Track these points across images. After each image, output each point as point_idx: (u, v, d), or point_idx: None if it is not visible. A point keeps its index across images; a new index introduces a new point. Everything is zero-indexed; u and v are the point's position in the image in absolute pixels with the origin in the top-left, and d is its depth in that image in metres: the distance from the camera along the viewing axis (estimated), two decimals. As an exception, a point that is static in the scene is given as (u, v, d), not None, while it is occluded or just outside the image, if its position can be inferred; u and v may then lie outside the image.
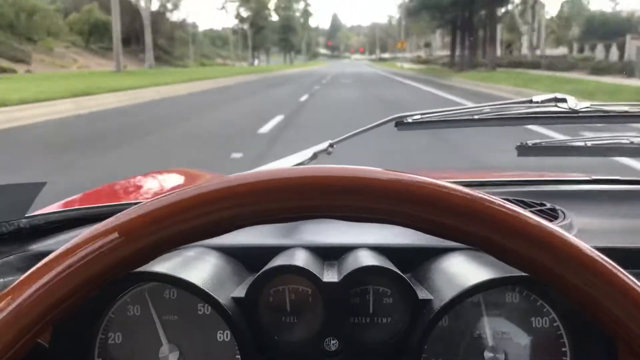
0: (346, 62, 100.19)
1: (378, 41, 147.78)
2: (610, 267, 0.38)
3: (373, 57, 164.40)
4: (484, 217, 0.39)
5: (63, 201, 1.23)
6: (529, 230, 0.39)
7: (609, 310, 0.39)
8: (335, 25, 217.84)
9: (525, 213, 0.39)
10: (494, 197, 0.40)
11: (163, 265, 0.63)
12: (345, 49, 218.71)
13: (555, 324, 0.67)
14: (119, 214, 0.40)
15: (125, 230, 0.39)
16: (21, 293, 0.38)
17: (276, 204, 0.40)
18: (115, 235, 0.39)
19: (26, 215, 0.88)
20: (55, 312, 0.39)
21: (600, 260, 0.39)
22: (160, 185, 1.67)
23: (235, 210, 0.39)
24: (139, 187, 1.61)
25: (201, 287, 0.61)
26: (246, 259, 0.76)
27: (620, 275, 0.38)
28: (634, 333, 0.38)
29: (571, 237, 0.39)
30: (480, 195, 0.40)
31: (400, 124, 0.93)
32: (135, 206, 0.40)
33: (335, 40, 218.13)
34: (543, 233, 0.39)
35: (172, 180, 1.75)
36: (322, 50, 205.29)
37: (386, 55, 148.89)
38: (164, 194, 0.40)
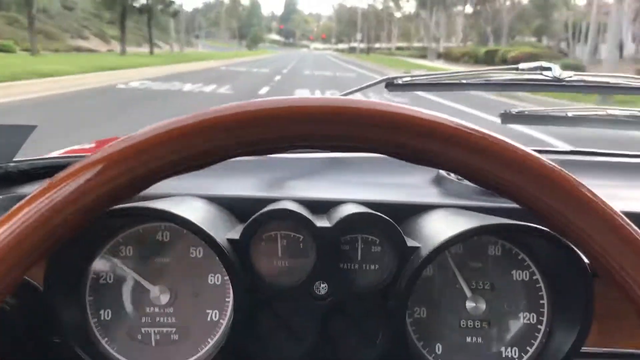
0: (303, 54, 67.91)
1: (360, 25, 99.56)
2: (595, 198, 0.40)
3: (339, 47, 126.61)
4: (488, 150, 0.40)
5: (53, 152, 1.22)
6: (513, 157, 0.40)
7: (592, 239, 0.40)
8: (290, 8, 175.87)
9: (520, 146, 0.41)
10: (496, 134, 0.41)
11: (162, 205, 0.64)
12: (302, 36, 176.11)
13: (534, 277, 0.70)
14: (106, 145, 0.40)
15: (114, 160, 0.39)
16: (11, 224, 0.38)
17: (261, 133, 0.39)
18: (104, 164, 0.39)
19: (14, 160, 0.87)
20: (46, 243, 0.39)
21: (585, 190, 0.40)
22: None
23: (223, 140, 0.39)
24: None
25: (201, 226, 0.62)
26: (234, 209, 0.77)
27: (604, 206, 0.40)
28: (614, 261, 0.40)
29: (563, 170, 0.41)
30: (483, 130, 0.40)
31: (390, 85, 0.94)
32: (123, 137, 0.40)
33: (290, 24, 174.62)
34: (525, 159, 0.40)
35: None
36: (274, 37, 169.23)
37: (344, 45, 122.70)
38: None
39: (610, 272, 0.40)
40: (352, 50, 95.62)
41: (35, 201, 0.39)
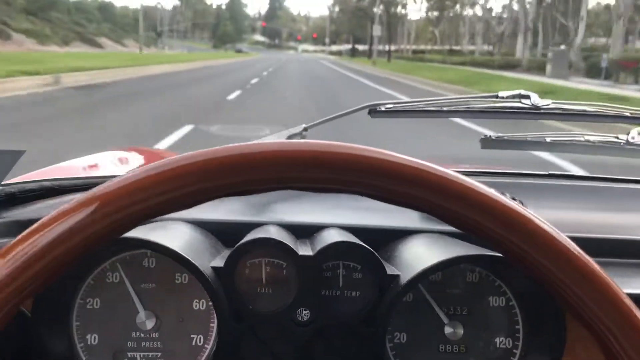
0: (286, 59, 58.14)
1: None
2: (564, 242, 0.42)
3: (333, 49, 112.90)
4: (455, 193, 0.42)
5: (34, 172, 1.24)
6: (479, 199, 0.42)
7: (564, 284, 0.41)
8: (276, 5, 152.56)
9: (491, 191, 0.43)
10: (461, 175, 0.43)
11: (144, 233, 0.66)
12: (290, 36, 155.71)
13: (510, 303, 0.73)
14: (99, 185, 0.41)
15: (106, 201, 0.40)
16: (3, 264, 0.39)
17: (253, 176, 0.42)
18: (96, 205, 0.40)
19: (2, 183, 0.89)
20: (37, 282, 0.40)
21: (556, 235, 0.42)
22: (123, 161, 1.68)
23: (211, 182, 0.41)
24: (107, 162, 1.62)
25: (183, 254, 0.64)
26: (220, 234, 0.79)
27: (572, 248, 0.42)
28: (584, 305, 0.41)
29: (537, 218, 0.42)
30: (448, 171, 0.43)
31: (373, 111, 0.97)
32: (115, 178, 0.41)
33: (275, 22, 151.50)
34: (504, 208, 0.42)
35: (132, 157, 1.76)
36: (259, 37, 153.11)
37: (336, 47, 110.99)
38: (140, 166, 0.42)
39: (574, 307, 0.42)
40: (351, 53, 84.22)
41: (30, 239, 0.40)
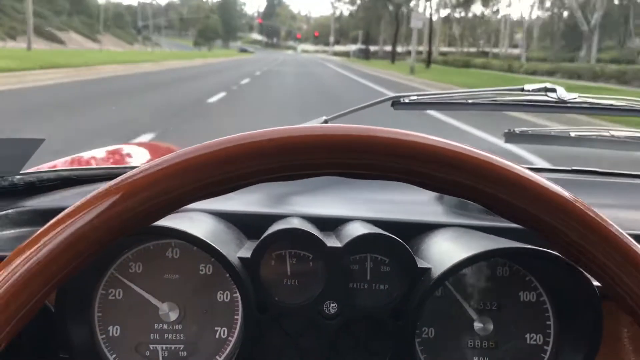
0: (281, 60, 46.22)
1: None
2: (599, 219, 0.41)
3: (336, 49, 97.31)
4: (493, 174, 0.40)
5: (50, 162, 1.23)
6: (512, 178, 0.40)
7: (600, 261, 0.41)
8: (274, 3, 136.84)
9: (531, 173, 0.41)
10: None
11: (175, 224, 0.64)
12: (289, 35, 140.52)
13: (541, 299, 0.71)
14: (122, 175, 0.40)
15: (130, 191, 0.39)
16: (29, 256, 0.38)
17: (278, 162, 0.40)
18: (120, 196, 0.39)
19: (20, 172, 0.88)
20: (62, 274, 0.39)
21: (590, 212, 0.41)
22: (137, 154, 1.67)
23: (237, 170, 0.40)
24: (124, 154, 1.61)
25: (212, 243, 0.62)
26: (243, 226, 0.77)
27: (611, 228, 0.41)
28: (622, 284, 0.40)
29: (566, 192, 0.41)
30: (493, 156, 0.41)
31: (396, 103, 0.95)
32: (138, 168, 0.40)
33: (273, 20, 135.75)
34: (526, 181, 0.40)
35: (146, 150, 1.75)
36: (256, 36, 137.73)
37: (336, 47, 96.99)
38: (161, 157, 0.40)
39: (619, 294, 0.41)
40: (364, 54, 69.78)
41: (54, 229, 0.39)
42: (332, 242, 0.69)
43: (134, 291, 0.69)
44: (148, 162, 0.41)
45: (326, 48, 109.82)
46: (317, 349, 0.67)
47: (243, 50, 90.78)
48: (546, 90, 0.96)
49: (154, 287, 0.69)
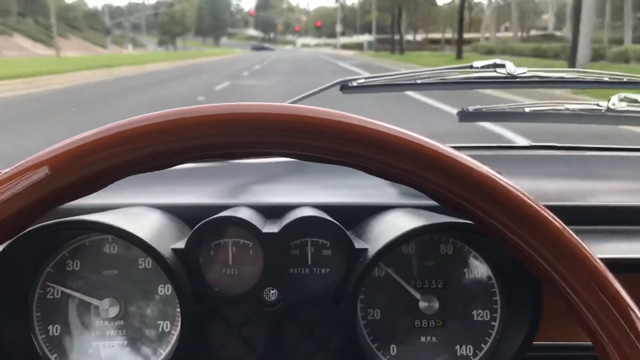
0: (279, 58, 41.29)
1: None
2: (541, 211, 0.39)
3: (343, 41, 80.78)
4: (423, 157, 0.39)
5: None
6: (457, 167, 0.39)
7: (539, 253, 0.40)
8: None
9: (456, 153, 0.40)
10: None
11: (104, 218, 0.63)
12: (286, 28, 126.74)
13: (487, 275, 0.70)
14: (48, 148, 0.39)
15: (55, 163, 0.38)
16: None
17: (197, 140, 0.38)
18: (46, 168, 0.38)
19: None
20: None
21: (529, 201, 0.40)
22: None
23: (163, 145, 0.38)
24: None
25: (141, 237, 0.61)
26: (188, 218, 0.76)
27: (550, 218, 0.39)
28: (559, 274, 0.39)
29: (509, 183, 0.40)
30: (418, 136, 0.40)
31: (345, 87, 0.94)
32: (65, 140, 0.39)
33: (268, 12, 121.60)
34: (473, 172, 0.39)
35: None
36: (252, 32, 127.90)
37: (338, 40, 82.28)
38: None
39: (548, 278, 0.40)
40: (384, 45, 54.52)
41: None
42: (272, 228, 0.68)
43: (73, 289, 0.68)
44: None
45: (330, 41, 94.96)
46: (261, 337, 0.66)
47: (259, 49, 78.71)
48: (495, 66, 0.96)
49: (93, 283, 0.68)
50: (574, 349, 0.69)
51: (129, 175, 0.39)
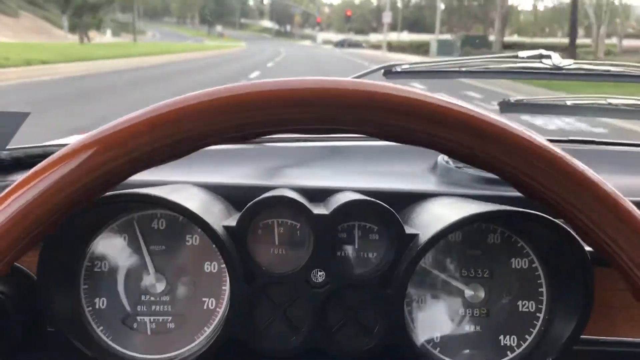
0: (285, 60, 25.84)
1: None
2: (592, 176, 0.40)
3: (378, 38, 57.10)
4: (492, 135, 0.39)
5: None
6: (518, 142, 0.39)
7: (589, 218, 0.39)
8: None
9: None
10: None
11: (156, 192, 0.63)
12: (306, 21, 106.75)
13: (533, 265, 0.70)
14: (98, 128, 0.39)
15: (105, 143, 0.38)
16: (5, 207, 0.38)
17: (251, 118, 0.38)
18: (96, 148, 0.38)
19: (7, 148, 0.86)
20: (41, 226, 0.38)
21: (581, 168, 0.40)
22: None
23: (216, 124, 0.38)
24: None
25: (195, 211, 0.61)
26: (232, 197, 0.76)
27: (600, 184, 0.40)
28: (621, 249, 0.39)
29: (559, 152, 0.40)
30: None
31: (388, 72, 0.93)
32: (114, 121, 0.39)
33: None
34: (518, 138, 0.39)
35: None
36: (266, 23, 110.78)
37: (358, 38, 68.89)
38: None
39: (609, 254, 0.40)
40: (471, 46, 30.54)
41: (32, 181, 0.38)
42: (319, 210, 0.68)
43: (120, 262, 0.69)
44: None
45: (359, 37, 74.18)
46: (306, 318, 0.66)
47: (341, 45, 59.88)
48: (541, 57, 0.95)
49: (140, 258, 0.68)
50: (624, 345, 0.68)
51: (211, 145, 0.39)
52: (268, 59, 24.46)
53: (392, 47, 40.51)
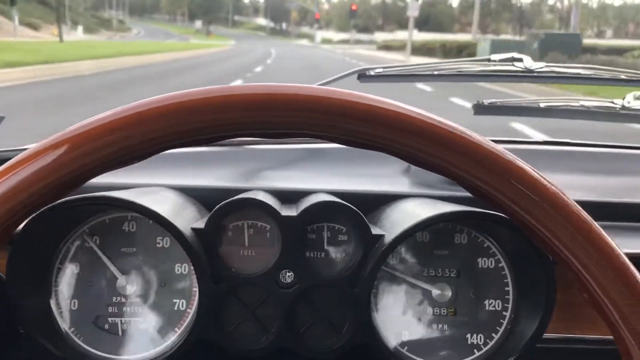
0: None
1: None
2: (557, 191, 0.40)
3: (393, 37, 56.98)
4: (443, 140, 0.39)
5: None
6: (480, 152, 0.39)
7: (555, 236, 0.39)
8: None
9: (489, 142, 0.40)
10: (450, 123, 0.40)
11: (125, 195, 0.64)
12: (303, 19, 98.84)
13: (500, 265, 0.71)
14: (68, 128, 0.40)
15: (75, 142, 0.38)
16: None
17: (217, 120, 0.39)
18: (66, 147, 0.38)
19: None
20: (7, 222, 0.38)
21: (546, 183, 0.40)
22: None
23: (177, 127, 0.38)
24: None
25: (163, 215, 0.62)
26: (205, 200, 0.77)
27: (565, 198, 0.39)
28: (575, 256, 0.39)
29: (526, 165, 0.40)
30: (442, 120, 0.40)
31: (362, 76, 0.94)
32: (84, 120, 0.39)
33: None
34: (488, 153, 0.39)
35: None
36: (261, 21, 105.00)
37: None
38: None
39: (564, 260, 0.40)
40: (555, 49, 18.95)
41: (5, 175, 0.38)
42: (289, 212, 0.69)
43: (91, 264, 0.69)
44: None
45: (362, 36, 65.72)
46: (275, 319, 0.67)
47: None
48: (513, 60, 0.96)
49: (111, 261, 0.69)
50: (586, 342, 0.70)
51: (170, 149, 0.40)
52: (251, 65, 19.66)
53: (415, 48, 30.24)
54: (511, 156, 0.40)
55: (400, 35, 55.35)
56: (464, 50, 25.69)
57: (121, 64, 17.56)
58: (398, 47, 37.56)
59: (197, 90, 0.39)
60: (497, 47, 22.72)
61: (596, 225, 0.39)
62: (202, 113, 0.38)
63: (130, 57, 20.07)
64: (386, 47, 41.78)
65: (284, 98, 0.38)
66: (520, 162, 0.40)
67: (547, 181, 0.40)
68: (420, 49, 30.61)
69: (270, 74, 16.44)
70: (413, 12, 30.15)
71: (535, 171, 0.40)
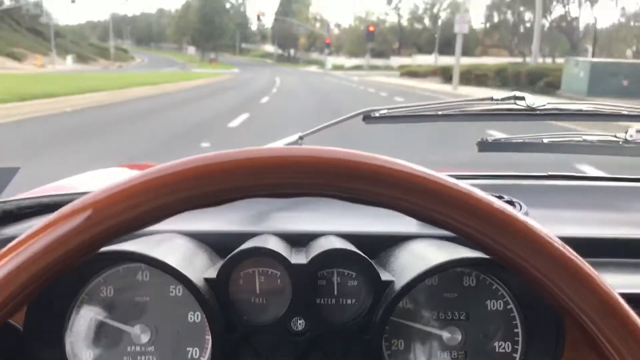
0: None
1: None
2: (559, 247, 0.41)
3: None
4: (443, 196, 0.41)
5: (32, 190, 1.24)
6: (483, 209, 0.41)
7: (559, 288, 0.41)
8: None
9: (485, 195, 0.42)
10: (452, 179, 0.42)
11: (137, 246, 0.66)
12: (312, 44, 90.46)
13: (509, 307, 0.72)
14: (91, 192, 0.41)
15: (98, 207, 0.40)
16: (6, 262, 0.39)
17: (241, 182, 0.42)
18: (89, 212, 0.39)
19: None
20: (28, 289, 0.40)
21: (550, 240, 0.41)
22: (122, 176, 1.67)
23: (201, 189, 0.41)
24: (105, 178, 1.62)
25: (175, 266, 0.63)
26: (216, 245, 0.78)
27: (569, 254, 0.41)
28: (580, 308, 0.40)
29: (529, 220, 0.41)
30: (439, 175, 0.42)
31: (367, 117, 0.96)
32: (107, 185, 0.41)
33: (289, 13, 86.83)
34: (494, 211, 0.41)
35: (131, 172, 1.75)
36: (269, 48, 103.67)
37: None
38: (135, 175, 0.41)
39: (568, 311, 0.41)
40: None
41: (22, 246, 0.39)
42: (299, 258, 0.70)
43: (106, 315, 0.70)
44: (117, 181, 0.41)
45: (378, 62, 61.61)
46: None
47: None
48: (515, 98, 0.98)
49: (125, 310, 0.70)
50: None
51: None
52: (236, 108, 13.22)
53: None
54: (522, 217, 0.41)
55: (419, 59, 50.60)
56: (542, 78, 19.41)
57: (84, 102, 13.88)
58: (425, 73, 33.33)
59: (207, 156, 0.41)
60: (598, 71, 17.02)
61: (588, 266, 0.40)
62: (212, 180, 0.41)
63: (102, 92, 16.29)
64: (410, 73, 36.36)
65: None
66: (531, 224, 0.41)
67: (553, 239, 0.41)
68: (463, 76, 23.54)
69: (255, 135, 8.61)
70: (462, 29, 20.79)
71: (545, 234, 0.41)
